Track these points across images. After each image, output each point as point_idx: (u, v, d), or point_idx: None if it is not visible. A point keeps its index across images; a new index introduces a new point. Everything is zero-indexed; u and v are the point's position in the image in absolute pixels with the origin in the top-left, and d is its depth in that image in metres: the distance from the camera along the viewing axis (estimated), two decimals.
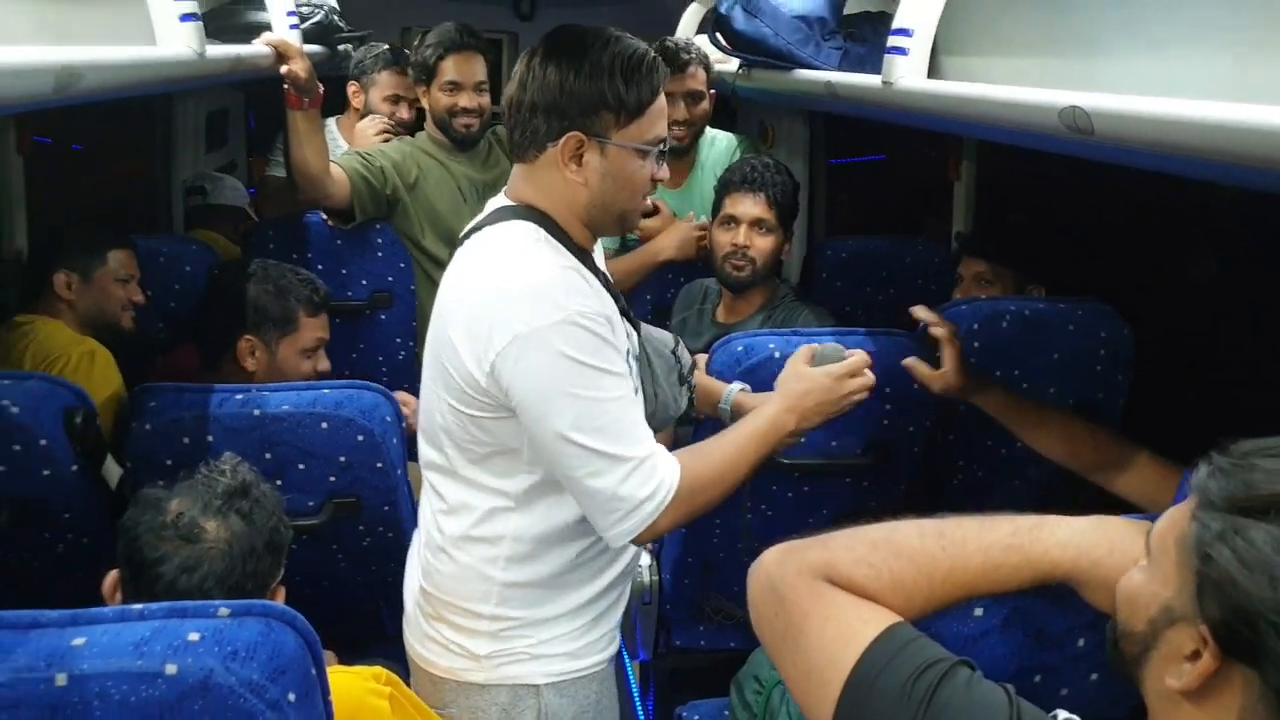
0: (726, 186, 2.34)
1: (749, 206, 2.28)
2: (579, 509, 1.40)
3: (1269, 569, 0.77)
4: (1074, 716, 0.89)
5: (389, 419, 1.80)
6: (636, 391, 1.45)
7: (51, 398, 1.66)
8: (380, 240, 2.68)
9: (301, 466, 1.77)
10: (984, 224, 2.71)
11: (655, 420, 1.50)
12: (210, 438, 1.72)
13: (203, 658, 0.94)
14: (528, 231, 1.38)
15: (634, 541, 1.39)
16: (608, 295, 1.43)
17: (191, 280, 2.61)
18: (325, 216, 2.65)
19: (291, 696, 0.97)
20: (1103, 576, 0.97)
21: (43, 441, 1.64)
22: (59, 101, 1.28)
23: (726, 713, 1.91)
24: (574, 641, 1.49)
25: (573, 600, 1.48)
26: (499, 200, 1.47)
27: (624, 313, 1.47)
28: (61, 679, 0.91)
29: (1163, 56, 1.31)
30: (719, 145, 2.88)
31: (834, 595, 0.96)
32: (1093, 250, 2.60)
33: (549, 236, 1.38)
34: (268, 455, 1.73)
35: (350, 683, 1.24)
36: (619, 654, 1.65)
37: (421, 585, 1.52)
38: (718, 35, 2.42)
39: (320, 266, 2.57)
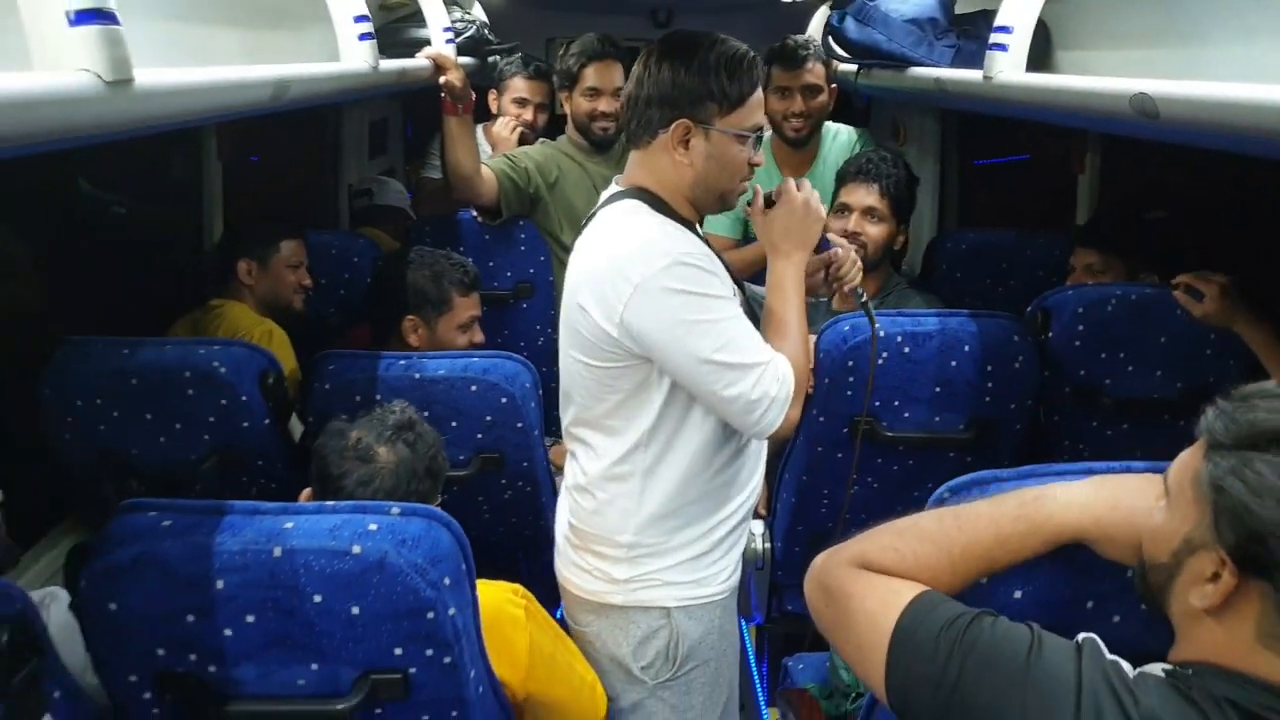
0: (843, 177, 2.43)
1: (862, 195, 2.36)
2: (696, 445, 1.60)
3: (1276, 494, 0.87)
4: (1094, 635, 0.98)
5: (528, 385, 2.01)
6: None
7: (250, 361, 1.96)
8: (523, 236, 2.89)
9: (454, 424, 2.00)
10: (1099, 216, 2.72)
11: None
12: (378, 397, 1.95)
13: (380, 543, 1.18)
14: (631, 205, 1.58)
15: (773, 436, 1.59)
16: (707, 246, 1.60)
17: (358, 270, 2.87)
18: (476, 214, 2.87)
19: (447, 581, 1.20)
20: (1109, 531, 1.05)
21: (243, 398, 1.93)
22: (268, 109, 1.56)
23: (828, 664, 2.05)
24: (699, 571, 1.68)
25: (698, 530, 1.66)
26: (611, 189, 1.67)
27: (726, 268, 1.64)
28: (278, 551, 1.16)
29: (1259, 46, 1.39)
30: (841, 139, 2.93)
31: (870, 577, 1.10)
32: (1215, 242, 2.57)
33: (650, 207, 1.57)
34: (425, 413, 1.91)
35: (493, 592, 1.47)
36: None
37: (569, 520, 1.73)
38: (830, 42, 2.53)
39: (470, 259, 2.79)
